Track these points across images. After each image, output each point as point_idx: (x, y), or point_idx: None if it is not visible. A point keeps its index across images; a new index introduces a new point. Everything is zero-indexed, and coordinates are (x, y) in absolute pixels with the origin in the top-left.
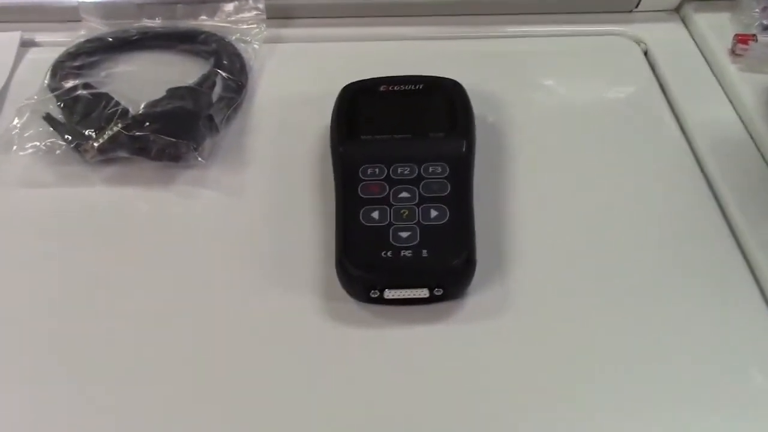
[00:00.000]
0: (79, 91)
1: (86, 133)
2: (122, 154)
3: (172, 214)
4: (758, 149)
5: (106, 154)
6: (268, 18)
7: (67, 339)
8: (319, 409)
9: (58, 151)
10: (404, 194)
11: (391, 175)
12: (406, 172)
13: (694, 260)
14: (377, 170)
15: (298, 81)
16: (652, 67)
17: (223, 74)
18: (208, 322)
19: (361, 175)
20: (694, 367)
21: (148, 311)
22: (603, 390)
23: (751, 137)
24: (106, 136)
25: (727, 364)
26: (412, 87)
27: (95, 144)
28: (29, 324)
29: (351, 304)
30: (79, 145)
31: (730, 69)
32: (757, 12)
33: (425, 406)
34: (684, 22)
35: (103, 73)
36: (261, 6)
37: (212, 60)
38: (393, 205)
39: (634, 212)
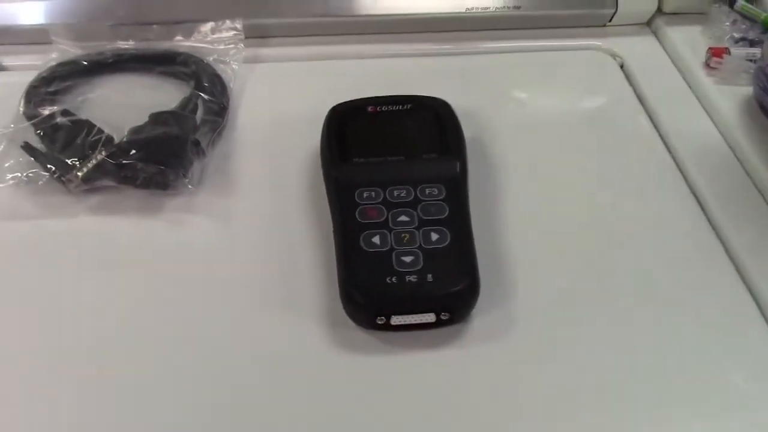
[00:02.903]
0: (59, 119)
1: (69, 162)
2: (107, 183)
3: (162, 243)
4: (737, 158)
5: (91, 183)
6: (246, 38)
7: (51, 378)
8: None
9: (40, 182)
10: (403, 218)
11: (388, 198)
12: (402, 194)
13: (690, 270)
14: (373, 194)
15: (279, 102)
16: (629, 80)
17: (205, 96)
18: (205, 357)
19: (357, 199)
20: (697, 379)
21: (139, 348)
22: (612, 409)
23: (730, 147)
24: (90, 165)
25: (722, 369)
26: (400, 107)
27: (79, 173)
28: (13, 362)
29: (355, 332)
30: (62, 175)
31: (706, 81)
32: (727, 25)
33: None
34: (656, 35)
35: (79, 98)
36: (239, 26)
37: (192, 82)
38: (393, 229)
39: (627, 223)
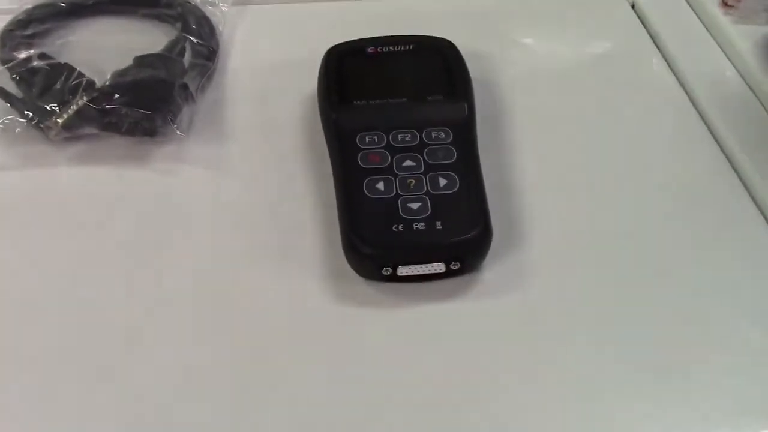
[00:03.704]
0: (36, 62)
1: (48, 108)
2: (90, 130)
3: (151, 194)
4: (759, 101)
5: (72, 130)
6: None
7: (37, 340)
8: (337, 397)
9: (17, 130)
10: (408, 162)
11: (392, 142)
12: (407, 138)
13: (713, 215)
14: (376, 138)
15: (271, 45)
16: (641, 21)
17: (193, 39)
18: (198, 315)
19: (359, 144)
20: (716, 326)
21: (130, 306)
22: (633, 362)
23: (751, 89)
24: (71, 111)
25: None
26: (403, 47)
27: (59, 120)
28: None
29: (360, 284)
30: (41, 122)
31: (722, 21)
32: None
33: (448, 386)
34: None
35: (58, 42)
36: None
37: (178, 25)
38: (398, 174)
39: (644, 169)
